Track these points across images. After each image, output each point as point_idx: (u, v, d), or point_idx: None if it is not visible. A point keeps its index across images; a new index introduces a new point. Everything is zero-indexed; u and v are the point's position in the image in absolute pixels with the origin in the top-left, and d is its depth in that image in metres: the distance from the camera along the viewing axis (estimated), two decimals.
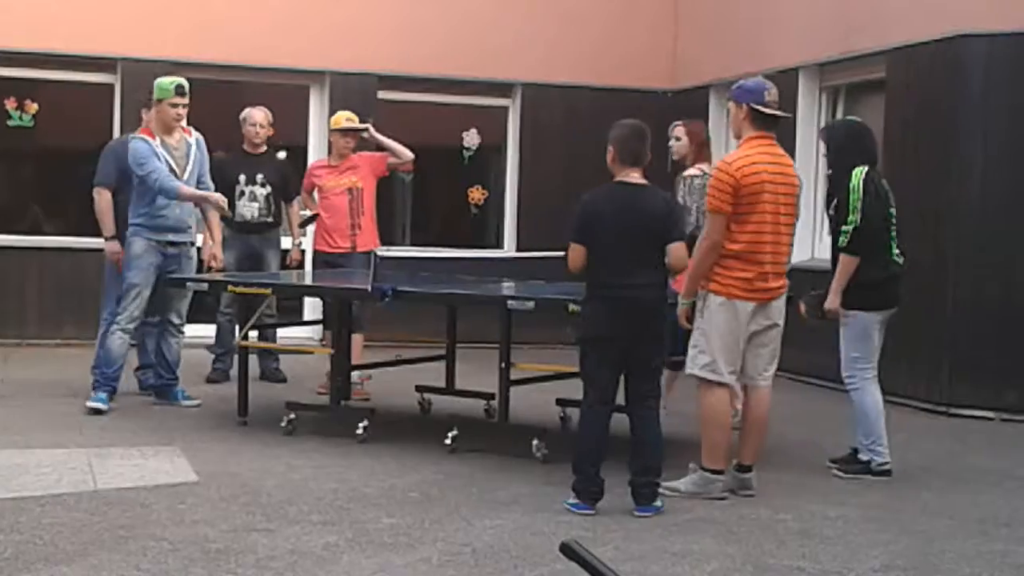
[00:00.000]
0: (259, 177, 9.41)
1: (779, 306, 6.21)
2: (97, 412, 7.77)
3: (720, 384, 6.10)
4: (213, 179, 8.98)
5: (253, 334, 8.48)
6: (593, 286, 5.85)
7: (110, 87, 11.59)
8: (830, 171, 7.08)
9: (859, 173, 6.71)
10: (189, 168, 8.07)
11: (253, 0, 11.89)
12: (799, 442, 7.63)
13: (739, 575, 4.90)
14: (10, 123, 11.51)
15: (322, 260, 9.06)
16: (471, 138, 12.66)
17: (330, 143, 9.29)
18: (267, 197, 9.44)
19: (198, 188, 8.11)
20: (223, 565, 4.76)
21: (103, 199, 8.43)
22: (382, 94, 12.01)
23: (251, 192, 9.40)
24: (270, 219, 9.49)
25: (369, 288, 7.02)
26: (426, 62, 12.05)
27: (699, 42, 12.47)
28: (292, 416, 7.45)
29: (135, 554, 4.86)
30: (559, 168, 12.29)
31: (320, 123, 12.00)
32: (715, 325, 6.06)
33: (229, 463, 6.54)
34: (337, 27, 11.91)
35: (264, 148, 9.53)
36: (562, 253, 8.61)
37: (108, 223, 8.44)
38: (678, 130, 8.35)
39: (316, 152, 12.07)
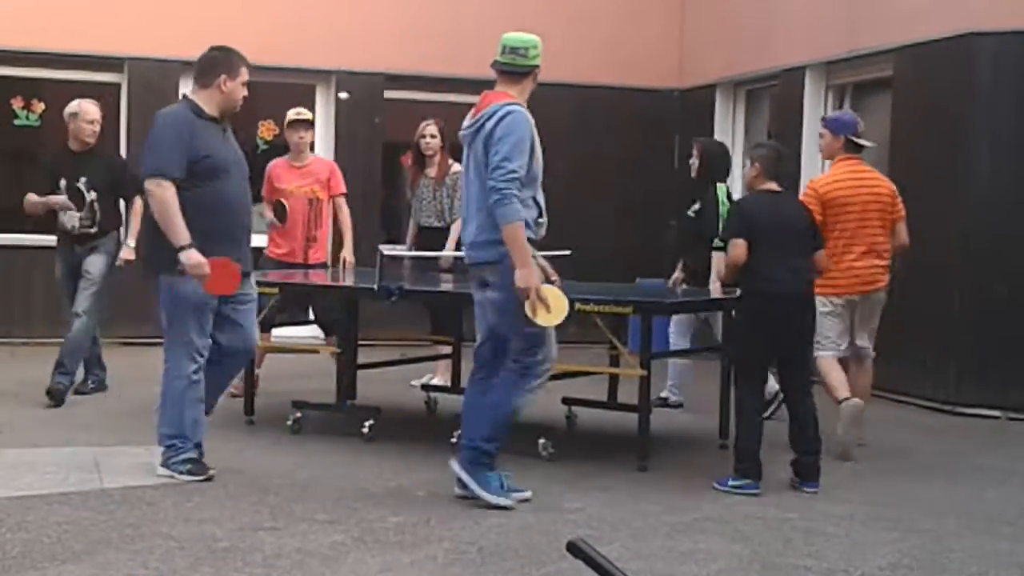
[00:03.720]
0: (83, 180, 8.31)
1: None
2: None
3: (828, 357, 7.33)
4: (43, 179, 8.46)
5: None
6: (749, 281, 6.39)
7: (117, 87, 11.60)
8: (696, 177, 8.42)
9: (724, 189, 8.26)
10: None
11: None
12: None
13: (745, 574, 4.90)
14: (16, 122, 11.53)
15: (273, 266, 8.61)
16: None
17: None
18: (92, 204, 8.32)
19: None
20: (230, 563, 4.77)
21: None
22: (389, 93, 12.02)
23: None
24: (93, 229, 8.34)
25: (376, 287, 7.02)
26: (432, 61, 12.04)
27: (706, 41, 12.47)
28: (299, 415, 7.45)
29: (142, 552, 4.87)
30: (567, 167, 12.27)
31: (327, 123, 12.01)
32: (823, 320, 7.11)
33: (236, 461, 6.55)
34: (344, 26, 11.91)
35: (92, 146, 8.45)
36: (568, 252, 8.68)
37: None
38: (431, 128, 9.06)
39: (322, 152, 12.06)
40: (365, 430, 7.19)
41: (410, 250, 9.20)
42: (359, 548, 5.04)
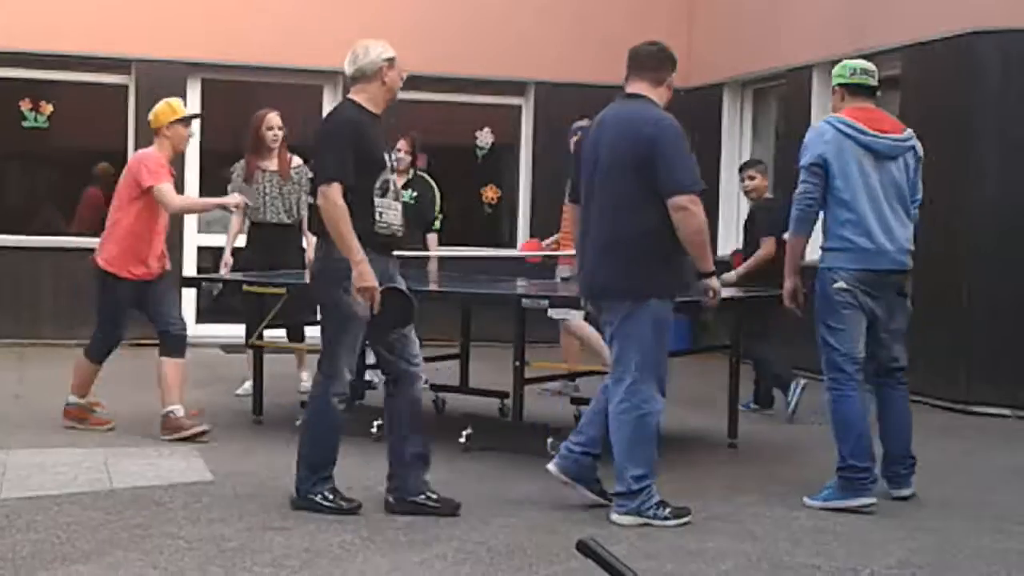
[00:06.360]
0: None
1: None
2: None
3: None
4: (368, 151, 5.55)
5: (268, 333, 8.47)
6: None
7: (124, 88, 11.63)
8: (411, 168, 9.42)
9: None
10: None
11: (267, 0, 11.91)
12: (814, 440, 7.61)
13: (755, 573, 4.89)
14: (25, 124, 11.55)
15: (133, 288, 7.25)
16: (484, 137, 12.67)
17: (162, 139, 7.28)
18: None
19: None
20: (239, 563, 4.77)
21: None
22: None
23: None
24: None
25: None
26: (440, 61, 12.05)
27: (713, 40, 12.46)
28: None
29: (152, 553, 4.87)
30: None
31: None
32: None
33: (244, 462, 6.56)
34: (351, 27, 11.88)
35: None
36: (573, 252, 8.65)
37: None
38: (278, 119, 8.78)
39: None
40: (373, 430, 7.18)
41: (254, 248, 8.68)
42: (368, 548, 5.04)
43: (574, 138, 9.15)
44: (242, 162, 8.74)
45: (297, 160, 8.78)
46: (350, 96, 5.61)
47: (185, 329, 7.30)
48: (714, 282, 5.64)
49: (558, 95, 12.30)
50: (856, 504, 5.86)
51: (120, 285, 7.21)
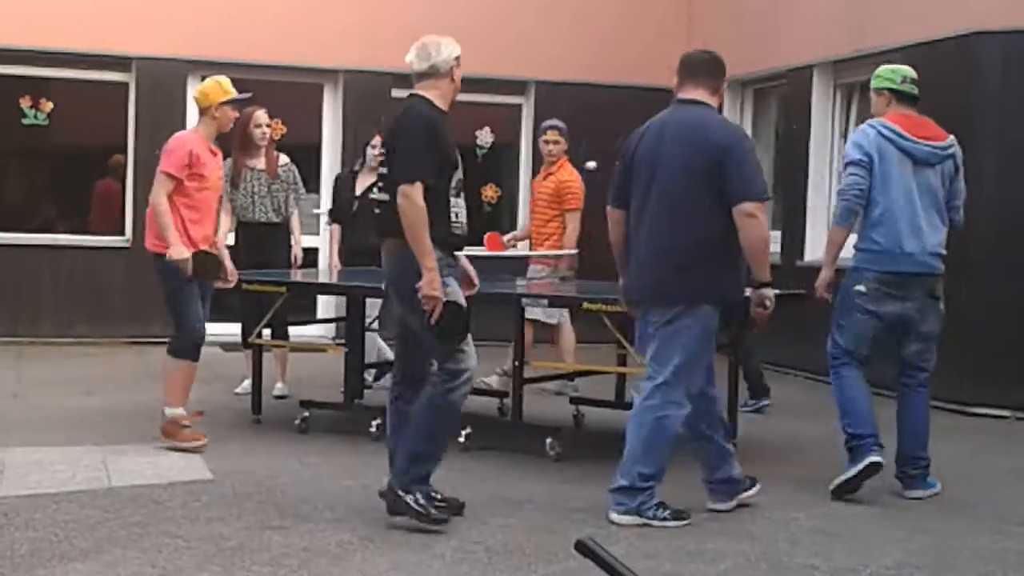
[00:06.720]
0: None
1: None
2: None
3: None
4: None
5: (266, 332, 8.46)
6: None
7: (125, 86, 11.61)
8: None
9: None
10: None
11: None
12: (812, 440, 7.62)
13: (753, 573, 4.89)
14: (25, 121, 11.54)
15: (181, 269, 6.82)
16: (484, 136, 12.66)
17: (209, 119, 7.01)
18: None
19: None
20: (238, 562, 4.77)
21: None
22: (396, 92, 11.98)
23: None
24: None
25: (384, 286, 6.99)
26: None
27: (712, 39, 12.40)
28: (306, 414, 7.45)
29: (150, 551, 4.87)
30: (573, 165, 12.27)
31: (334, 122, 12.02)
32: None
33: (243, 461, 6.56)
34: (351, 25, 11.92)
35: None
36: (575, 251, 8.66)
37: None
38: (266, 116, 8.61)
39: (330, 151, 12.06)
40: (372, 429, 7.17)
41: (242, 247, 8.48)
42: (366, 547, 5.04)
43: (543, 137, 9.08)
44: (229, 161, 8.66)
45: (284, 158, 8.71)
46: (419, 93, 5.44)
47: (204, 336, 7.03)
48: (770, 292, 5.58)
49: (558, 94, 12.29)
50: (863, 465, 5.96)
51: (169, 262, 6.72)
